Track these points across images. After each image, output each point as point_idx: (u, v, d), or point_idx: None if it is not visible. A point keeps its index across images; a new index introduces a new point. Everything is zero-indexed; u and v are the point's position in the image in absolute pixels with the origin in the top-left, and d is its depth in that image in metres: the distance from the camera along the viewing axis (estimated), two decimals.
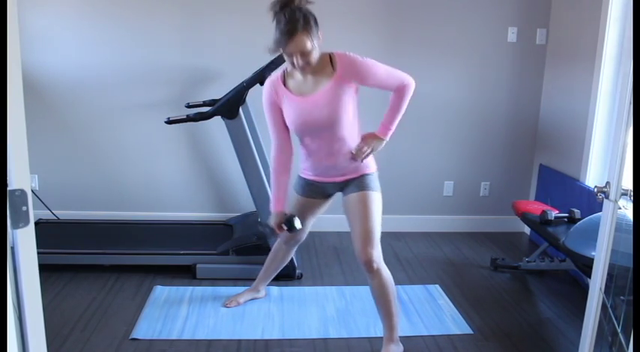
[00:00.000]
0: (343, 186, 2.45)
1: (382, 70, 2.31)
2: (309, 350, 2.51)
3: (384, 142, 2.43)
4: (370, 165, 2.44)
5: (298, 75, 2.29)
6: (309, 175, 2.49)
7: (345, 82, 2.25)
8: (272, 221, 2.48)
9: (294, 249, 2.89)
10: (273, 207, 2.48)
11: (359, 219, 2.36)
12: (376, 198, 2.40)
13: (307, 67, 2.19)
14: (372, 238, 2.34)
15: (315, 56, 2.18)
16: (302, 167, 2.51)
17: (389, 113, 2.42)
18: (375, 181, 2.43)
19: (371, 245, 2.33)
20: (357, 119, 2.37)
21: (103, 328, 2.65)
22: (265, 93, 2.38)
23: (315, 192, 2.52)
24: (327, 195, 2.54)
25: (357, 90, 2.32)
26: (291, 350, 2.51)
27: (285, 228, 2.46)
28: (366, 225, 2.34)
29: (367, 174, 2.42)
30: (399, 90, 2.38)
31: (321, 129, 2.29)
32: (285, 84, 2.32)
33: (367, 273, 2.37)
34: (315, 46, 2.16)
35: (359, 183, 2.40)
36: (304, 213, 2.56)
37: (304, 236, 2.74)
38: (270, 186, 2.48)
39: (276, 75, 2.38)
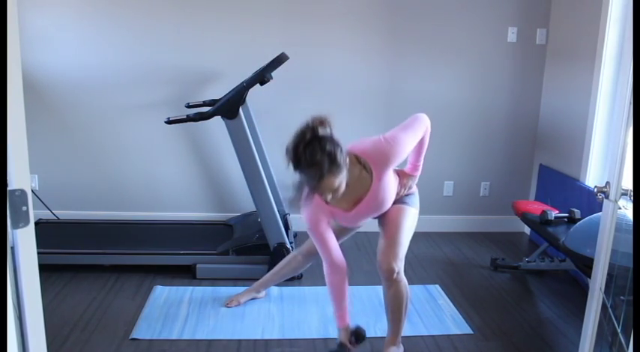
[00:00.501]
0: None
1: (410, 140, 2.29)
2: (309, 350, 2.51)
3: (417, 177, 2.49)
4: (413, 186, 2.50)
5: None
6: None
7: (383, 176, 2.24)
8: (342, 337, 2.37)
9: (310, 263, 2.87)
10: (339, 322, 2.38)
11: (390, 228, 2.35)
12: (412, 214, 2.43)
13: (338, 196, 2.10)
14: (398, 250, 2.32)
15: (344, 184, 2.07)
16: None
17: (416, 153, 2.44)
18: (414, 199, 2.48)
19: (395, 255, 2.30)
20: (394, 176, 2.41)
21: (103, 328, 2.65)
22: (310, 217, 2.26)
23: None
24: None
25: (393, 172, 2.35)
26: (291, 350, 2.51)
27: (353, 341, 2.40)
28: (396, 235, 2.33)
29: (407, 195, 2.47)
30: (423, 137, 2.41)
31: (374, 215, 2.39)
32: (326, 202, 2.20)
33: (384, 281, 2.34)
34: (343, 178, 2.04)
35: (399, 200, 2.43)
36: (343, 232, 2.60)
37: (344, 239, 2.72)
38: (331, 298, 2.40)
39: (314, 197, 2.21)
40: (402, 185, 2.42)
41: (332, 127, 2.03)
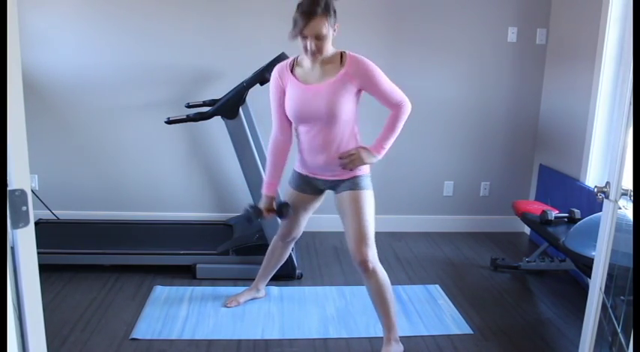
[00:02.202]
0: (334, 186, 2.45)
1: (386, 83, 2.33)
2: (309, 350, 2.51)
3: (376, 159, 2.39)
4: (362, 167, 2.42)
5: (307, 64, 2.33)
6: (301, 169, 2.52)
7: (349, 79, 2.27)
8: (261, 204, 2.52)
9: (291, 246, 2.89)
10: (264, 189, 2.53)
11: (351, 219, 2.37)
12: (368, 197, 2.41)
13: (318, 54, 2.23)
14: (366, 238, 2.35)
15: (327, 45, 2.24)
16: (296, 161, 2.54)
17: (383, 132, 2.40)
18: (366, 180, 2.43)
19: (365, 244, 2.35)
20: (354, 125, 2.38)
21: (103, 328, 2.65)
22: (273, 76, 2.42)
23: (307, 187, 2.54)
24: (318, 191, 2.55)
25: (358, 94, 2.34)
26: (291, 350, 2.51)
27: (276, 213, 2.49)
28: (359, 224, 2.35)
29: (358, 176, 2.41)
30: (396, 111, 2.37)
31: (317, 120, 2.31)
32: (292, 71, 2.36)
33: (363, 274, 2.39)
34: (329, 33, 2.22)
35: (350, 183, 2.41)
36: (297, 209, 2.59)
37: (299, 233, 2.75)
38: (267, 163, 2.53)
39: (286, 61, 2.42)
40: (357, 152, 2.34)
41: None
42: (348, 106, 2.30)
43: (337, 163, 2.37)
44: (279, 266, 2.95)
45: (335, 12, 2.24)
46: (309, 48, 2.21)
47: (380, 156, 2.39)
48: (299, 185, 2.55)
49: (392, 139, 2.40)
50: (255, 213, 2.53)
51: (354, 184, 2.40)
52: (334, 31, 2.26)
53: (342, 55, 2.31)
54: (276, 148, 2.47)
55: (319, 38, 2.20)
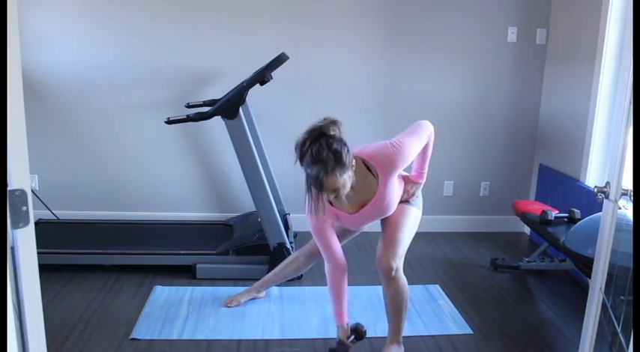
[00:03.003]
0: None
1: (414, 146, 2.31)
2: (309, 350, 2.51)
3: (422, 184, 2.50)
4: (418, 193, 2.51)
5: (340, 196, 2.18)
6: None
7: (389, 181, 2.26)
8: (341, 335, 2.39)
9: (311, 265, 2.87)
10: (338, 320, 2.40)
11: (390, 226, 2.37)
12: (414, 213, 2.44)
13: (342, 196, 2.12)
14: (397, 246, 2.33)
15: (349, 186, 2.11)
16: None
17: (421, 160, 2.45)
18: (417, 200, 2.49)
19: (394, 253, 2.32)
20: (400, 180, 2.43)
21: (103, 328, 2.65)
22: (314, 218, 2.27)
23: None
24: None
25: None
26: (291, 350, 2.51)
27: (353, 338, 2.42)
28: (396, 233, 2.34)
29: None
30: (427, 143, 2.41)
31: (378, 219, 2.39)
32: (331, 204, 2.28)
33: (383, 280, 2.35)
34: (348, 179, 2.08)
35: (402, 201, 2.44)
36: (346, 234, 2.61)
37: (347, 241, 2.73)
38: (331, 296, 2.42)
39: (318, 204, 2.24)
40: (406, 191, 2.43)
41: (341, 129, 2.09)
42: (397, 190, 2.35)
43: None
44: (288, 279, 2.95)
45: (348, 150, 2.05)
46: (331, 199, 2.17)
47: (424, 180, 2.49)
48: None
49: (428, 162, 2.47)
50: (343, 348, 2.42)
51: (406, 201, 2.45)
52: (352, 167, 2.11)
53: (365, 164, 2.23)
54: (336, 281, 2.36)
55: (337, 192, 2.07)
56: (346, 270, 2.38)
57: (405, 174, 2.48)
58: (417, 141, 2.32)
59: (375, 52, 3.95)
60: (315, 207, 2.22)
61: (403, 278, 2.36)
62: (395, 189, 2.31)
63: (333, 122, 2.06)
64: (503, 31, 3.99)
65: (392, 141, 2.28)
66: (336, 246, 2.34)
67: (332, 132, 2.04)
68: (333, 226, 2.34)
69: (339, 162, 2.00)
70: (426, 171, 2.49)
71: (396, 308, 2.37)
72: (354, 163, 2.11)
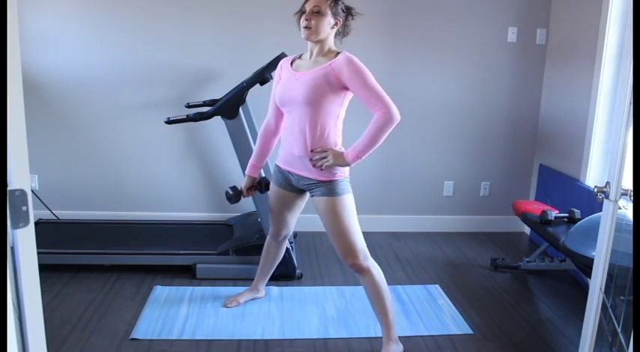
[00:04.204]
0: (311, 187, 2.41)
1: (372, 86, 2.25)
2: (309, 350, 2.51)
3: (346, 165, 2.31)
4: (340, 170, 2.34)
5: (306, 56, 2.41)
6: (279, 161, 2.54)
7: (333, 73, 2.28)
8: (244, 183, 2.66)
9: (285, 245, 2.89)
10: (247, 170, 2.67)
11: (331, 230, 2.38)
12: (345, 203, 2.34)
13: (310, 31, 2.28)
14: (351, 248, 2.36)
15: (322, 25, 2.29)
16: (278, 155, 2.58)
17: (363, 139, 2.26)
18: (342, 185, 2.35)
19: (351, 254, 2.36)
20: (335, 123, 2.35)
21: (103, 328, 2.65)
22: (277, 68, 2.55)
23: (284, 182, 2.52)
24: (297, 189, 2.51)
25: (343, 92, 2.32)
26: (291, 350, 2.51)
27: (257, 190, 2.65)
28: (341, 236, 2.36)
29: (334, 180, 2.34)
30: (379, 117, 2.22)
31: (294, 105, 2.34)
32: (292, 63, 2.45)
33: (358, 275, 2.43)
34: (327, 15, 2.29)
35: (325, 188, 2.34)
36: (280, 207, 2.62)
37: (290, 231, 2.76)
38: (255, 147, 2.67)
39: (293, 55, 2.52)
40: (329, 153, 2.28)
41: None
42: (325, 98, 2.28)
43: (305, 159, 2.34)
44: (275, 266, 2.95)
45: (343, 6, 2.35)
46: (300, 23, 2.31)
47: (351, 164, 2.29)
48: (277, 179, 2.57)
49: (371, 149, 2.25)
50: (234, 193, 2.66)
51: (329, 190, 2.33)
52: (335, 22, 2.33)
53: (337, 54, 2.34)
54: (265, 132, 2.60)
55: (313, 14, 2.27)
56: (278, 132, 2.56)
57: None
58: (378, 87, 2.25)
59: (375, 52, 3.95)
60: (286, 59, 2.51)
61: (375, 267, 2.40)
62: (326, 92, 2.27)
63: None
64: (503, 31, 3.99)
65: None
66: (274, 106, 2.52)
67: None
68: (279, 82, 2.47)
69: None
70: (361, 155, 2.25)
71: (377, 299, 2.39)
72: (339, 24, 2.36)
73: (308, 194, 2.51)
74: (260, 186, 2.69)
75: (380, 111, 2.23)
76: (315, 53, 2.36)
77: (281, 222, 2.68)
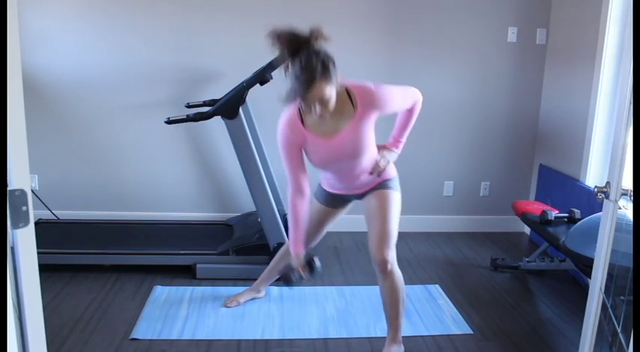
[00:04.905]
0: (369, 191, 2.44)
1: (398, 96, 2.31)
2: (309, 350, 2.51)
3: (397, 155, 2.46)
4: (389, 171, 2.44)
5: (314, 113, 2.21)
6: (330, 189, 2.50)
7: (366, 116, 2.22)
8: (295, 263, 2.38)
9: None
10: (293, 248, 2.38)
11: (377, 219, 2.35)
12: (395, 197, 2.40)
13: (326, 115, 2.12)
14: (388, 239, 2.33)
15: (333, 101, 2.10)
16: (322, 180, 2.52)
17: (400, 127, 2.45)
18: (394, 182, 2.44)
19: (387, 246, 2.32)
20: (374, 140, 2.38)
21: (103, 328, 2.65)
22: (282, 133, 2.25)
23: (336, 202, 2.54)
24: (346, 202, 2.56)
25: (375, 118, 2.31)
26: (291, 350, 2.51)
27: (307, 269, 2.40)
28: (384, 225, 2.33)
29: (387, 179, 2.43)
30: (411, 108, 2.39)
31: (347, 163, 2.30)
32: (302, 122, 2.23)
33: (379, 274, 2.36)
34: (334, 93, 2.09)
35: (380, 184, 2.41)
36: (323, 221, 2.58)
37: (316, 242, 2.71)
38: (289, 222, 2.40)
39: (291, 113, 2.24)
40: (382, 159, 2.36)
41: (327, 42, 2.10)
42: (371, 138, 2.29)
43: (368, 179, 2.38)
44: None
45: (334, 64, 2.07)
46: (314, 112, 2.09)
47: (399, 151, 2.46)
48: (327, 201, 2.53)
49: (408, 132, 2.45)
50: (296, 275, 2.39)
51: (384, 185, 2.41)
52: (338, 82, 2.12)
53: (348, 93, 2.21)
54: (297, 202, 2.33)
55: (324, 102, 2.06)
56: (307, 198, 2.36)
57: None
58: (401, 94, 2.31)
59: (375, 53, 3.95)
60: (293, 121, 2.21)
61: (398, 272, 2.37)
62: (369, 132, 2.25)
63: (320, 34, 2.06)
64: (504, 31, 3.99)
65: (376, 84, 2.27)
66: (301, 170, 2.30)
67: (318, 44, 2.05)
68: (301, 151, 2.29)
69: (326, 70, 2.02)
70: (403, 140, 2.44)
71: (393, 303, 2.38)
72: (338, 80, 2.11)
73: (351, 203, 2.56)
74: (310, 266, 2.39)
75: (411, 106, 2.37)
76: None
77: (317, 235, 2.62)
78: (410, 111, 2.39)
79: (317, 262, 2.38)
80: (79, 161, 3.97)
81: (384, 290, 2.38)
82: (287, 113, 2.25)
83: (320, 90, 2.03)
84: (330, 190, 2.49)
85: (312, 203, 2.52)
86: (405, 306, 2.43)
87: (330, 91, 2.06)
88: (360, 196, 2.47)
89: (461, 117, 4.10)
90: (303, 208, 2.36)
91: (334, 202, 2.53)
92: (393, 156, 2.44)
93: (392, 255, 2.33)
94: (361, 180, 2.38)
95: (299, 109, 2.22)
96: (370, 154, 2.31)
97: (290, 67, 2.06)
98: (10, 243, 1.11)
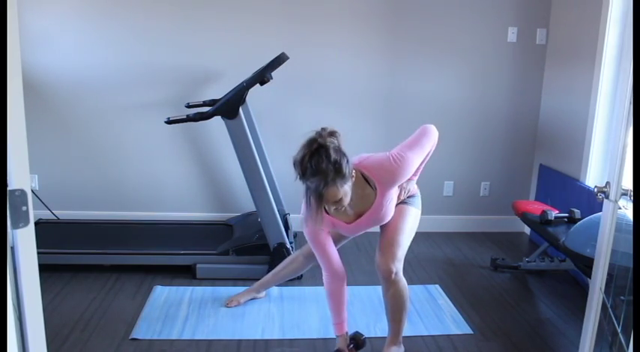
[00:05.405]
0: None
1: (416, 159, 2.29)
2: (309, 350, 2.51)
3: (414, 182, 2.48)
4: (411, 189, 2.47)
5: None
6: None
7: (387, 194, 2.24)
8: (341, 345, 2.37)
9: (310, 266, 2.86)
10: (337, 330, 2.38)
11: (390, 229, 2.34)
12: (413, 214, 2.41)
13: (342, 208, 2.12)
14: (396, 248, 2.31)
15: (349, 197, 2.09)
16: None
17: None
18: (415, 199, 2.47)
19: (394, 255, 2.30)
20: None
21: (103, 328, 2.65)
22: (312, 230, 2.25)
23: None
24: None
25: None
26: (291, 350, 2.51)
27: (352, 347, 2.41)
28: (396, 236, 2.32)
29: (410, 196, 2.46)
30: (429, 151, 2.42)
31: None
32: (327, 212, 2.25)
33: (383, 281, 2.34)
34: (348, 190, 2.06)
35: (402, 201, 2.43)
36: (342, 237, 2.59)
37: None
38: (330, 306, 2.40)
39: (314, 212, 2.17)
40: (401, 188, 2.41)
41: (340, 139, 2.05)
42: (394, 203, 2.31)
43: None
44: (288, 279, 2.95)
45: (347, 160, 2.02)
46: (332, 211, 2.16)
47: (416, 178, 2.47)
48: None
49: (425, 164, 2.43)
50: None
51: (403, 201, 2.43)
52: (352, 178, 2.08)
53: (363, 176, 2.20)
54: (336, 291, 2.34)
55: (338, 203, 2.06)
56: (345, 279, 2.36)
57: None
58: (420, 154, 2.31)
59: (375, 53, 3.95)
60: (314, 218, 2.17)
61: (403, 281, 2.34)
62: (393, 200, 2.29)
63: (331, 133, 2.04)
64: (503, 31, 3.99)
65: (393, 155, 2.23)
66: (334, 253, 2.33)
67: (329, 143, 1.99)
68: (330, 234, 2.32)
69: (339, 172, 1.97)
70: (421, 169, 2.46)
71: (396, 310, 2.36)
72: (353, 174, 2.09)
73: None
74: (355, 342, 2.41)
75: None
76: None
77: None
78: (429, 152, 2.41)
79: (363, 336, 2.43)
80: (79, 161, 3.97)
81: (388, 297, 2.36)
82: (306, 209, 2.19)
83: (334, 193, 2.00)
84: None
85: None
86: (408, 312, 2.42)
87: (345, 190, 2.04)
88: None
89: (461, 117, 4.10)
90: (343, 290, 2.34)
91: None
92: (411, 184, 2.45)
93: (398, 266, 2.30)
94: None
95: (323, 207, 2.18)
96: (394, 209, 2.35)
97: (302, 171, 2.00)
98: (10, 243, 1.11)
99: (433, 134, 2.38)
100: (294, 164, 2.02)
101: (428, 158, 2.43)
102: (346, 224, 2.30)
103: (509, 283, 3.33)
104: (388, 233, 2.34)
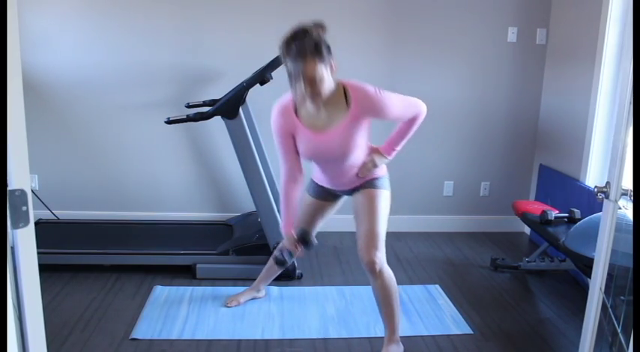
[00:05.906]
0: (357, 188, 2.46)
1: (398, 105, 2.29)
2: (309, 350, 2.51)
3: (387, 161, 2.45)
4: (379, 170, 2.45)
5: (310, 105, 2.24)
6: (321, 182, 2.53)
7: (359, 118, 2.23)
8: (287, 243, 2.49)
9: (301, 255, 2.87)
10: (284, 229, 2.47)
11: (364, 218, 2.36)
12: (383, 196, 2.41)
13: (318, 98, 2.14)
14: (376, 239, 2.33)
15: (326, 87, 2.13)
16: (314, 172, 2.55)
17: (397, 135, 2.43)
18: (383, 181, 2.45)
19: (375, 246, 2.32)
20: (367, 141, 2.38)
21: (103, 328, 2.65)
22: (275, 121, 2.31)
23: (327, 195, 2.56)
24: (337, 198, 2.59)
25: (369, 122, 2.32)
26: (291, 350, 2.51)
27: (300, 245, 2.47)
28: (372, 225, 2.34)
29: (376, 178, 2.44)
30: (412, 119, 2.37)
31: (333, 160, 2.32)
32: (296, 112, 2.28)
33: (369, 274, 2.37)
34: (325, 75, 2.11)
35: (369, 183, 2.43)
36: (315, 216, 2.60)
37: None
38: (278, 209, 2.48)
39: (285, 101, 2.30)
40: (371, 161, 2.38)
41: (324, 33, 2.13)
42: (361, 140, 2.30)
43: (355, 178, 2.41)
44: (282, 270, 2.95)
45: (329, 49, 2.12)
46: (305, 93, 2.12)
47: (390, 158, 2.44)
48: (319, 194, 2.56)
49: (404, 142, 2.43)
50: (287, 255, 2.51)
51: (371, 184, 2.42)
52: (332, 69, 2.15)
53: (344, 89, 2.23)
54: (289, 191, 2.40)
55: (314, 81, 2.08)
56: (300, 181, 2.40)
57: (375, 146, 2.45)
58: (401, 103, 2.30)
59: (375, 53, 3.95)
60: (284, 105, 2.27)
61: (388, 271, 2.37)
62: (359, 134, 2.26)
63: (320, 26, 2.11)
64: (503, 31, 3.99)
65: (378, 88, 2.26)
66: (294, 156, 2.34)
67: (314, 32, 2.09)
68: (293, 139, 2.32)
69: (318, 52, 2.06)
70: (397, 149, 2.44)
71: (385, 303, 2.38)
72: (334, 67, 2.14)
73: (342, 199, 2.58)
74: (304, 240, 2.48)
75: (412, 118, 2.36)
76: (323, 102, 2.20)
77: (309, 229, 2.62)
78: (410, 122, 2.37)
79: (311, 236, 2.46)
80: (79, 161, 3.97)
81: (375, 290, 2.39)
82: (281, 100, 2.32)
83: (311, 67, 2.06)
84: (320, 183, 2.53)
85: (304, 196, 2.57)
86: (399, 306, 2.43)
87: (322, 72, 2.09)
88: (349, 193, 2.49)
89: (461, 117, 4.10)
90: (295, 192, 2.41)
91: (324, 196, 2.55)
92: (382, 160, 2.43)
93: (380, 256, 2.33)
94: (348, 177, 2.40)
95: (294, 102, 2.28)
96: (358, 156, 2.33)
97: (285, 49, 2.10)
98: (10, 243, 1.11)
99: (422, 103, 2.37)
100: (279, 45, 2.11)
101: (410, 132, 2.39)
102: (310, 132, 2.26)
103: (509, 283, 3.33)
104: (364, 225, 2.35)
